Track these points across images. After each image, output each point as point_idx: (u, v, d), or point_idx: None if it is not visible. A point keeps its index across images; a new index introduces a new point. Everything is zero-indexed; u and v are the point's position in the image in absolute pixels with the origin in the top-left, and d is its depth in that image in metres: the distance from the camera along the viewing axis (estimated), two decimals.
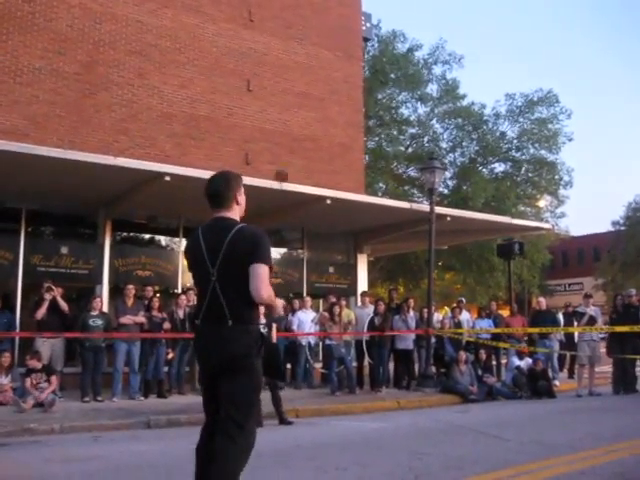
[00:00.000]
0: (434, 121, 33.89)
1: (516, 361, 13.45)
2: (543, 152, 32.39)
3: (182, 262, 14.29)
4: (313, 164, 17.02)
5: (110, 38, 14.55)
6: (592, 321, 12.98)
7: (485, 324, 14.81)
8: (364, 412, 10.76)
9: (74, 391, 11.25)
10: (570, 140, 32.67)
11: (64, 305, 11.48)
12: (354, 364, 13.44)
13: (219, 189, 3.91)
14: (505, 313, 18.08)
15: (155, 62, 15.04)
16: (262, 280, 3.68)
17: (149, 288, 12.66)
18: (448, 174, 31.38)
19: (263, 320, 11.78)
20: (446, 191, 31.92)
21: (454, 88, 32.87)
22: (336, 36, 18.14)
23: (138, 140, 14.57)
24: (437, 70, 33.04)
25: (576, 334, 14.15)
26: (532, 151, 32.59)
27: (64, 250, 13.00)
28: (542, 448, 6.92)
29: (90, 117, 14.10)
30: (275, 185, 12.68)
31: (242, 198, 3.98)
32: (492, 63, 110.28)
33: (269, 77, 16.70)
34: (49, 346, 11.23)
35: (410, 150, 33.46)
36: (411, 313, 13.83)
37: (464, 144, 33.51)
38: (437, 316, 15.71)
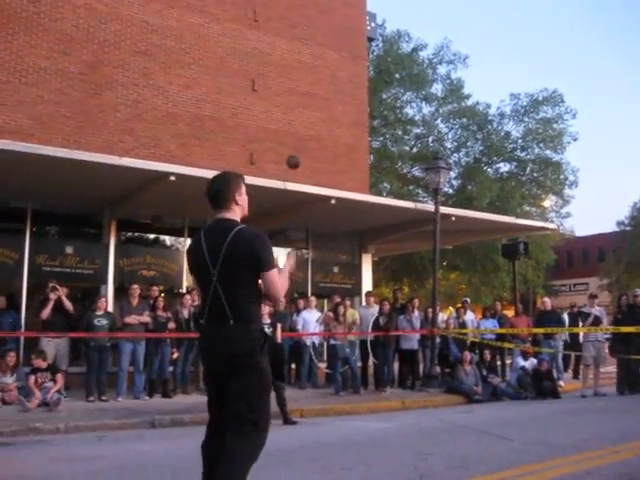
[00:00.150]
0: (439, 121, 33.90)
1: (521, 361, 13.42)
2: (548, 152, 32.35)
3: (187, 262, 14.28)
4: (318, 164, 17.02)
5: (115, 38, 14.57)
6: (597, 321, 12.95)
7: (490, 324, 14.79)
8: (368, 412, 10.75)
9: (79, 391, 11.27)
10: (575, 140, 32.63)
11: (69, 305, 11.50)
12: (358, 364, 13.43)
13: (218, 190, 3.95)
14: (510, 313, 18.05)
15: (160, 62, 15.06)
16: (276, 285, 3.79)
17: (155, 288, 12.65)
18: (453, 174, 31.36)
19: (268, 320, 11.81)
20: (451, 191, 31.90)
21: (459, 88, 32.83)
22: (341, 36, 18.13)
23: (143, 140, 14.59)
24: (442, 70, 33.05)
25: (581, 334, 14.12)
26: (537, 151, 32.56)
27: (69, 250, 13.03)
28: (547, 448, 6.91)
29: (95, 117, 14.13)
30: (279, 185, 12.68)
31: (242, 199, 4.00)
32: (494, 63, 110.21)
33: (274, 77, 16.71)
34: (54, 346, 11.26)
35: (415, 150, 33.44)
36: (416, 313, 13.82)
37: (469, 144, 33.49)
38: (442, 316, 15.71)
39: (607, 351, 13.41)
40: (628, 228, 45.28)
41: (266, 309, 10.92)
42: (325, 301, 16.48)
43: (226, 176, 4.06)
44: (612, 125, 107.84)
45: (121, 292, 13.10)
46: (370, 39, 22.35)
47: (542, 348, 13.82)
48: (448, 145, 33.94)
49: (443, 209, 14.62)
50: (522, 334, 14.47)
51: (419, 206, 15.71)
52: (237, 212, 3.97)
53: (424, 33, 46.50)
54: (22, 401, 9.75)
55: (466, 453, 6.63)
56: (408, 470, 5.82)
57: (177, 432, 8.59)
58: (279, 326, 11.08)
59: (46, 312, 11.24)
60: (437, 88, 33.37)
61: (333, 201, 13.11)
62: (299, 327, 13.60)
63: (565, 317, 16.34)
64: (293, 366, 13.86)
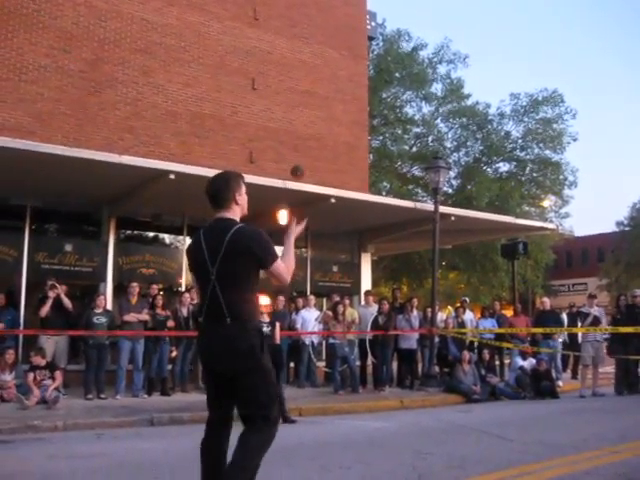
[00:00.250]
0: (439, 120, 33.88)
1: (519, 361, 13.43)
2: (548, 152, 32.36)
3: (186, 260, 14.28)
4: (317, 163, 17.02)
5: (115, 36, 14.57)
6: (596, 321, 12.95)
7: (488, 324, 14.81)
8: (367, 411, 10.76)
9: (78, 388, 11.27)
10: (575, 140, 32.61)
11: (68, 303, 11.50)
12: (357, 363, 13.44)
13: (218, 190, 3.99)
14: (509, 313, 18.05)
15: (160, 60, 15.06)
16: (282, 274, 3.88)
17: (154, 286, 12.62)
18: (452, 173, 31.38)
19: (267, 319, 11.79)
20: (450, 190, 31.89)
21: (459, 87, 32.82)
22: (341, 35, 18.13)
23: (143, 138, 14.59)
24: (442, 69, 33.05)
25: (580, 335, 14.13)
26: (537, 151, 32.57)
27: (68, 248, 13.02)
28: (545, 448, 6.91)
29: (95, 115, 14.12)
30: (279, 184, 12.68)
31: (242, 198, 4.04)
32: (494, 62, 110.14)
33: (274, 75, 16.70)
34: (53, 343, 11.26)
35: (414, 149, 33.43)
36: (415, 312, 13.83)
37: (468, 143, 33.50)
38: (441, 316, 15.71)
39: (605, 351, 13.41)
40: (627, 228, 45.33)
41: (264, 308, 10.92)
42: (324, 300, 16.49)
43: (226, 176, 4.09)
44: (612, 125, 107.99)
45: (120, 290, 13.09)
46: (370, 38, 22.36)
47: (541, 348, 13.82)
48: (448, 145, 33.96)
49: (442, 209, 14.63)
50: (521, 334, 14.48)
51: (418, 205, 15.72)
52: (237, 212, 4.01)
53: (424, 32, 46.55)
54: (21, 399, 9.74)
55: (465, 453, 6.63)
56: (407, 469, 5.82)
57: (176, 430, 8.60)
58: (278, 325, 11.08)
59: (45, 310, 11.24)
60: (437, 87, 33.41)
61: (333, 200, 13.11)
62: (298, 326, 13.61)
63: (564, 317, 16.35)
64: (292, 365, 13.87)
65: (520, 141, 32.75)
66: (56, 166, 10.92)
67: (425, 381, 13.29)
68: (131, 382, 11.42)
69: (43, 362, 10.46)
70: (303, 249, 16.48)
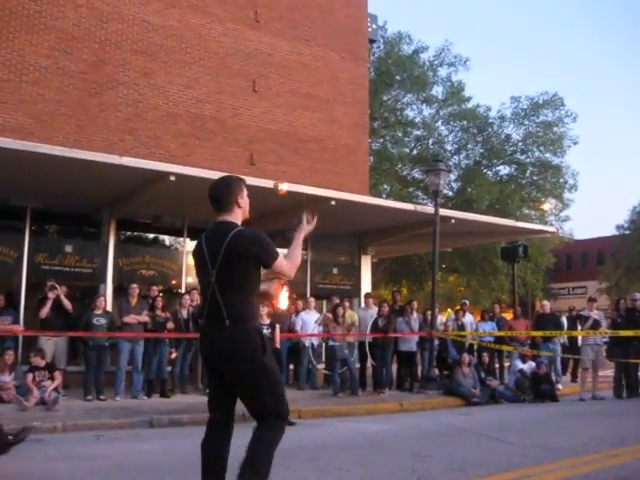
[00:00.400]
0: (439, 123, 33.95)
1: (519, 364, 13.42)
2: (548, 155, 32.39)
3: (186, 262, 14.31)
4: (318, 165, 17.02)
5: (116, 37, 14.58)
6: (596, 325, 12.95)
7: (488, 327, 14.79)
8: (366, 414, 10.74)
9: (77, 389, 11.27)
10: (575, 143, 32.70)
11: (68, 304, 11.49)
12: (357, 365, 13.43)
13: (220, 193, 4.06)
14: (508, 316, 18.04)
15: (161, 62, 15.07)
16: (285, 271, 4.01)
17: (155, 288, 12.61)
18: (453, 176, 31.43)
19: (267, 320, 11.77)
20: (451, 193, 31.93)
21: (459, 90, 32.87)
22: (342, 37, 18.15)
23: (143, 139, 14.59)
24: (442, 72, 33.12)
25: (580, 338, 14.12)
26: (537, 154, 32.61)
27: (68, 249, 13.02)
28: (545, 452, 6.90)
29: (96, 116, 14.13)
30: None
31: (244, 201, 4.11)
32: (495, 63, 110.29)
33: (275, 78, 16.71)
34: (52, 344, 11.25)
35: (415, 152, 33.46)
36: (414, 315, 13.82)
37: (469, 146, 33.53)
38: (440, 318, 15.72)
39: (605, 355, 13.41)
40: (627, 232, 45.33)
41: (265, 310, 10.91)
42: (324, 302, 16.48)
43: (228, 180, 4.16)
44: (612, 127, 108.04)
45: (120, 291, 13.09)
46: (371, 41, 22.37)
47: (541, 351, 13.82)
48: (448, 147, 34.01)
49: (443, 211, 14.63)
50: (521, 337, 14.47)
51: (419, 208, 15.69)
52: (239, 215, 4.08)
53: (425, 35, 46.65)
54: (20, 400, 9.73)
55: (464, 456, 6.62)
56: (406, 472, 5.82)
57: (175, 432, 8.59)
58: (278, 327, 11.09)
59: (45, 311, 11.22)
60: (438, 90, 33.49)
61: (333, 202, 13.10)
62: (298, 328, 13.60)
63: (564, 320, 16.35)
64: (292, 367, 13.86)
65: (520, 144, 32.78)
66: (56, 167, 10.93)
67: (425, 384, 13.27)
68: (130, 383, 11.40)
69: (42, 363, 10.45)
70: (303, 251, 16.42)
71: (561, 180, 32.85)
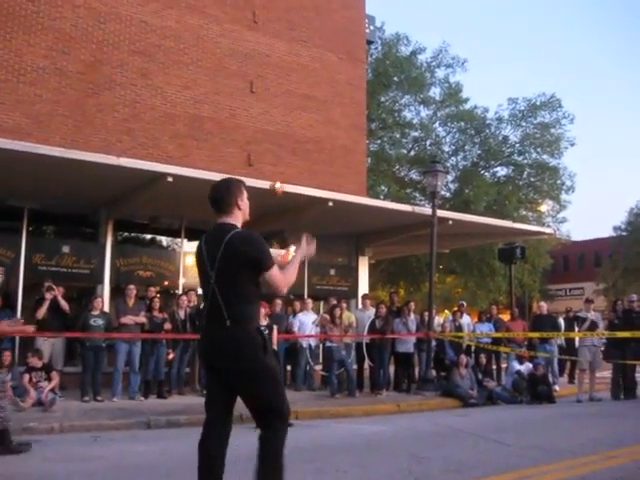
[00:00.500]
0: (437, 124, 34.01)
1: (516, 365, 13.43)
2: (545, 157, 32.45)
3: (183, 263, 14.31)
4: (315, 166, 17.03)
5: (114, 38, 14.57)
6: (593, 326, 12.96)
7: (486, 328, 14.80)
8: (364, 415, 10.74)
9: (74, 390, 11.24)
10: (572, 145, 32.83)
11: (65, 304, 11.49)
12: (354, 367, 13.42)
13: (221, 195, 4.08)
14: (506, 317, 18.06)
15: (159, 62, 15.06)
16: (278, 284, 3.96)
17: (152, 288, 12.61)
18: (450, 177, 31.48)
19: (264, 321, 11.75)
20: (448, 194, 31.96)
21: (457, 91, 32.94)
22: (340, 38, 18.16)
23: (141, 140, 14.58)
24: (440, 73, 33.20)
25: (577, 339, 14.13)
26: (534, 155, 32.68)
27: (65, 249, 13.00)
28: (542, 453, 6.90)
29: (93, 117, 14.12)
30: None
31: (244, 204, 4.13)
32: (493, 64, 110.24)
33: (272, 79, 16.71)
34: (49, 345, 11.24)
35: (412, 153, 33.50)
36: (412, 316, 13.82)
37: (466, 148, 33.59)
38: (438, 319, 15.71)
39: (602, 356, 13.41)
40: (624, 233, 45.33)
41: (263, 311, 10.90)
42: (321, 303, 16.48)
43: (228, 182, 4.19)
44: (609, 128, 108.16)
45: (117, 292, 13.08)
46: (369, 42, 22.42)
47: (538, 352, 13.82)
48: (446, 149, 34.08)
49: (440, 212, 14.65)
50: (518, 338, 14.47)
51: (416, 209, 15.71)
52: (239, 217, 4.10)
53: (423, 36, 46.69)
54: (16, 401, 9.70)
55: (461, 457, 6.62)
56: (403, 473, 5.81)
57: (172, 433, 8.57)
58: (275, 329, 11.07)
59: (42, 311, 11.21)
60: (435, 92, 33.56)
61: (330, 203, 13.12)
62: (295, 329, 13.60)
63: (561, 322, 16.34)
64: (289, 368, 13.85)
65: (518, 145, 32.85)
66: (54, 168, 10.92)
67: (422, 385, 13.27)
68: (128, 384, 11.39)
69: (39, 364, 10.43)
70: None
71: (558, 181, 32.93)
